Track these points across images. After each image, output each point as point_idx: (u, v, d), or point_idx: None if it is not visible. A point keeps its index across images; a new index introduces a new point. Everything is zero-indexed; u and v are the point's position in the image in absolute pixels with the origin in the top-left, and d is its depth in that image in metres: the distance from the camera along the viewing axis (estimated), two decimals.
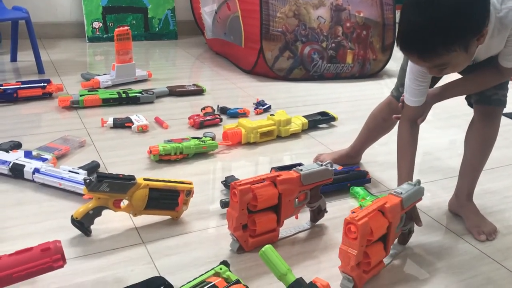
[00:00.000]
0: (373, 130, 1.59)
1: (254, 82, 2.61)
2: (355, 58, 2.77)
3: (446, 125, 2.15)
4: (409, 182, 1.17)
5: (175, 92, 2.27)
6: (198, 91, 2.32)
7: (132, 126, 1.83)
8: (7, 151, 1.48)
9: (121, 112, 1.98)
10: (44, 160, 1.44)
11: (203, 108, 2.03)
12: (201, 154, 1.67)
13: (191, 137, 1.69)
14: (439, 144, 1.93)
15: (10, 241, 1.14)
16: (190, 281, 0.87)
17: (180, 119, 1.96)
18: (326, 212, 1.30)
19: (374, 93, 2.59)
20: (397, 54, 3.46)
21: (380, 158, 1.76)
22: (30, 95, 2.03)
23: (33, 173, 1.38)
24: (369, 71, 2.85)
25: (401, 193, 1.11)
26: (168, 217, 1.27)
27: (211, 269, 0.91)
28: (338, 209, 1.37)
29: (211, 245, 1.19)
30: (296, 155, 1.74)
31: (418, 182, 1.18)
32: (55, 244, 0.94)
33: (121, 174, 1.19)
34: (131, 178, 1.19)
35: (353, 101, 2.42)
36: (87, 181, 1.14)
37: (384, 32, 2.85)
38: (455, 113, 2.20)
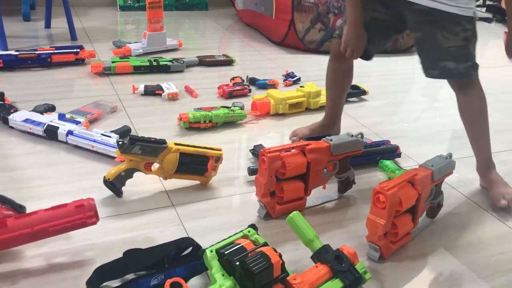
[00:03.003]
0: (332, 88, 1.54)
1: (284, 54, 2.59)
2: None
3: None
4: (441, 155, 1.16)
5: (205, 62, 2.27)
6: (228, 62, 2.32)
7: (163, 94, 1.84)
8: (41, 113, 1.52)
9: (152, 80, 2.00)
10: (77, 123, 1.47)
11: (232, 78, 2.03)
12: (230, 123, 1.67)
13: (220, 106, 1.70)
14: None
15: (45, 199, 1.18)
16: (219, 242, 0.88)
17: (209, 89, 1.97)
18: (354, 183, 1.29)
19: (406, 68, 2.54)
20: None
21: (411, 133, 1.73)
22: (63, 61, 2.07)
23: (67, 135, 1.41)
24: (402, 46, 2.78)
25: (432, 165, 1.10)
26: (197, 182, 1.29)
27: (240, 232, 0.92)
28: (367, 182, 1.36)
29: (238, 210, 1.21)
30: None
31: (450, 155, 1.16)
32: (88, 202, 0.96)
33: (153, 138, 1.20)
34: (163, 142, 1.21)
35: (385, 76, 2.38)
36: (120, 143, 1.16)
37: None
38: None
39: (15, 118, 1.48)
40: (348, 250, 0.95)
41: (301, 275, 0.89)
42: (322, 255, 0.93)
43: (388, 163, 1.43)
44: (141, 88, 1.86)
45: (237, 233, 0.92)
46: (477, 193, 1.36)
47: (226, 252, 0.84)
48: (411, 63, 2.65)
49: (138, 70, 2.08)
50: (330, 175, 1.24)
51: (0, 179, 1.24)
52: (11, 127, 1.50)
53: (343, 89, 1.54)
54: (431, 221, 1.21)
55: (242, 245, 0.86)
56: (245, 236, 0.91)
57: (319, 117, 1.81)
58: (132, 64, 2.07)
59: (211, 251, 0.86)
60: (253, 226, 0.95)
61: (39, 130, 1.44)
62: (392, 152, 1.49)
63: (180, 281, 0.82)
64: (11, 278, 0.93)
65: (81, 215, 0.94)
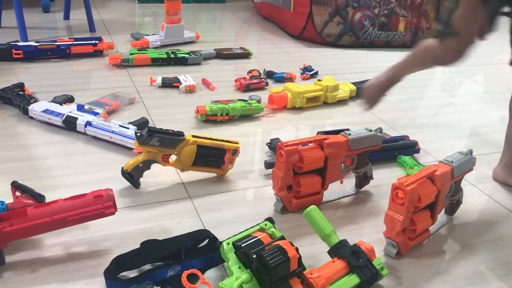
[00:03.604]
0: None
1: (301, 48, 2.57)
2: (408, 26, 2.67)
3: (499, 99, 2.06)
4: (460, 151, 1.14)
5: (222, 54, 2.27)
6: (245, 55, 2.31)
7: (180, 86, 1.85)
8: (60, 104, 1.53)
9: (169, 72, 2.00)
10: (95, 114, 1.48)
11: (250, 72, 2.02)
12: (247, 116, 1.67)
13: (237, 99, 1.69)
14: (491, 118, 1.86)
15: (64, 188, 1.19)
16: (236, 235, 0.88)
17: (226, 82, 1.97)
18: (372, 179, 1.28)
19: None
20: None
21: (430, 129, 1.71)
22: (82, 52, 2.08)
23: (85, 126, 1.42)
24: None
25: (452, 161, 1.08)
26: (214, 174, 1.29)
27: (256, 225, 0.92)
28: (384, 177, 1.35)
29: (255, 204, 1.21)
30: (342, 123, 1.71)
31: (470, 152, 1.14)
32: (107, 192, 0.97)
33: (171, 130, 1.21)
34: (180, 134, 1.21)
35: None
36: (138, 134, 1.17)
37: (439, 0, 2.72)
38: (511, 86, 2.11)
39: (35, 108, 1.50)
40: (366, 246, 0.94)
41: (318, 269, 0.89)
42: (339, 250, 0.93)
43: (406, 158, 1.42)
44: (159, 80, 1.86)
45: (254, 226, 0.92)
46: (496, 191, 1.34)
47: (243, 245, 0.84)
48: None
49: (156, 62, 2.08)
50: (348, 170, 1.23)
51: (20, 168, 1.26)
52: (31, 117, 1.51)
53: None
54: (450, 218, 1.19)
55: (259, 238, 0.86)
56: (262, 229, 0.91)
57: (336, 111, 1.81)
58: (150, 56, 2.07)
59: (228, 244, 0.86)
60: (270, 219, 0.95)
61: (58, 121, 1.46)
62: (411, 148, 1.47)
63: (197, 272, 0.82)
64: (31, 266, 0.94)
65: (100, 205, 0.95)
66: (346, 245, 0.93)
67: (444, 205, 1.12)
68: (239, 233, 0.89)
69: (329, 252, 0.94)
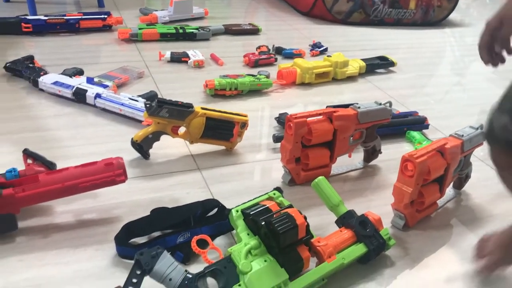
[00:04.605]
0: None
1: (311, 25, 2.55)
2: (419, 4, 2.63)
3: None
4: (471, 125, 1.14)
5: (231, 30, 2.25)
6: (254, 31, 2.29)
7: (189, 61, 1.84)
8: (70, 77, 1.53)
9: (178, 47, 1.99)
10: (105, 86, 1.49)
11: (258, 47, 2.01)
12: (255, 91, 1.67)
13: (246, 74, 1.69)
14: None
15: (74, 158, 1.20)
16: (244, 203, 0.89)
17: (235, 57, 1.96)
18: (381, 153, 1.28)
19: (437, 41, 2.48)
20: (462, 4, 3.27)
21: (439, 106, 1.70)
22: (91, 26, 2.08)
23: (95, 98, 1.43)
24: (433, 19, 2.71)
25: (462, 135, 1.08)
26: (222, 147, 1.29)
27: (265, 194, 0.93)
28: (393, 152, 1.35)
29: (263, 176, 1.22)
30: (351, 99, 1.70)
31: (481, 126, 1.14)
32: (117, 160, 0.98)
33: (180, 101, 1.21)
34: (190, 106, 1.21)
35: (414, 49, 2.33)
36: (148, 105, 1.17)
37: None
38: None
39: (45, 80, 1.50)
40: (373, 216, 0.95)
41: (325, 238, 0.89)
42: (346, 219, 0.93)
43: (415, 134, 1.41)
44: (168, 55, 1.86)
45: (262, 195, 0.93)
46: None
47: (251, 213, 0.85)
48: (441, 36, 2.59)
49: (165, 37, 2.07)
50: (356, 144, 1.23)
51: (31, 138, 1.27)
52: (41, 90, 1.52)
53: None
54: (458, 192, 1.19)
55: (268, 206, 0.87)
56: (270, 198, 0.92)
57: (346, 87, 1.80)
58: (159, 31, 2.07)
59: (237, 211, 0.87)
60: (278, 189, 0.96)
61: (68, 93, 1.46)
62: (420, 123, 1.46)
63: (207, 238, 0.84)
64: (43, 232, 0.95)
65: (111, 173, 0.96)
66: (353, 215, 0.94)
67: (452, 179, 1.12)
68: (248, 202, 0.90)
69: (337, 222, 0.95)
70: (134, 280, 0.74)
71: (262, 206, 0.87)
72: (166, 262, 0.76)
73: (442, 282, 0.93)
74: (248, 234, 0.84)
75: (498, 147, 0.79)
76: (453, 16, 2.80)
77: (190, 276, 0.76)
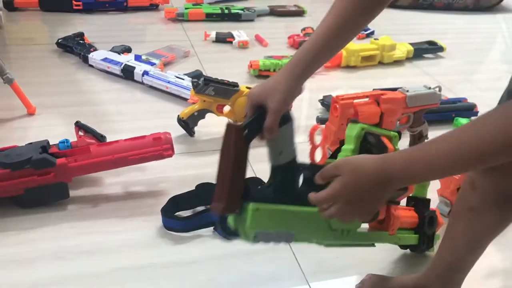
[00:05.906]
0: None
1: None
2: None
3: None
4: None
5: (276, 11, 2.24)
6: (299, 12, 2.27)
7: (234, 41, 1.85)
8: (119, 54, 1.57)
9: (223, 27, 2.00)
10: (152, 64, 1.51)
11: (303, 29, 1.99)
12: None
13: (290, 56, 1.68)
14: None
15: (122, 133, 1.22)
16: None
17: (279, 39, 1.95)
18: (427, 139, 1.26)
19: (489, 27, 2.39)
20: None
21: (489, 93, 1.64)
22: (138, 5, 2.12)
23: (143, 75, 1.45)
24: (485, 4, 2.60)
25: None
26: None
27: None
28: None
29: (306, 156, 1.21)
30: (397, 84, 1.66)
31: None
32: (165, 135, 1.00)
33: (226, 80, 1.22)
34: (235, 84, 1.22)
35: (464, 34, 2.25)
36: (195, 83, 1.19)
37: None
38: None
39: (94, 56, 1.54)
40: (440, 218, 0.92)
41: (398, 209, 0.83)
42: (420, 206, 0.90)
43: (463, 121, 1.37)
44: (213, 35, 1.87)
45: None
46: None
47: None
48: (493, 22, 2.49)
49: (210, 17, 2.08)
50: (403, 128, 1.21)
51: (81, 112, 1.31)
52: (90, 65, 1.56)
53: None
54: None
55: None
56: None
57: (392, 71, 1.76)
58: (205, 11, 2.08)
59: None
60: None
61: (116, 69, 1.50)
62: (469, 110, 1.42)
63: None
64: (92, 201, 0.99)
65: (159, 147, 0.98)
66: (428, 206, 0.91)
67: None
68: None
69: (409, 199, 0.91)
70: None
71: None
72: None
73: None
74: None
75: None
76: (506, 1, 2.68)
77: None
